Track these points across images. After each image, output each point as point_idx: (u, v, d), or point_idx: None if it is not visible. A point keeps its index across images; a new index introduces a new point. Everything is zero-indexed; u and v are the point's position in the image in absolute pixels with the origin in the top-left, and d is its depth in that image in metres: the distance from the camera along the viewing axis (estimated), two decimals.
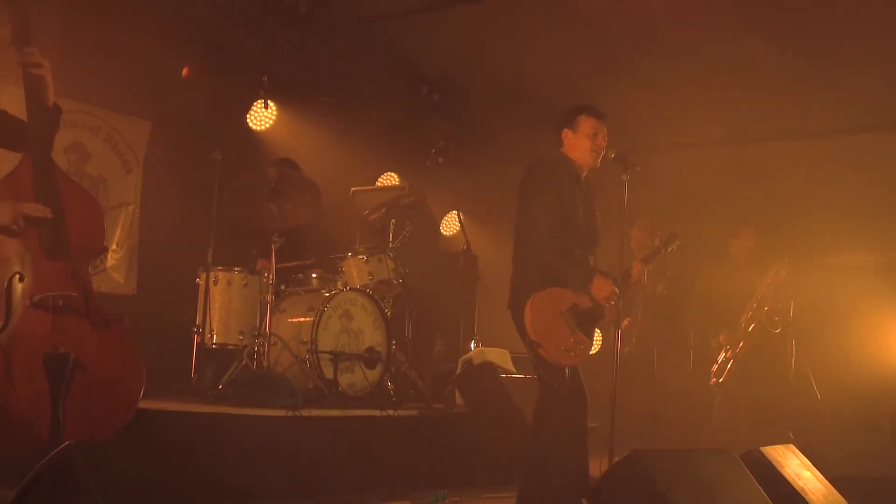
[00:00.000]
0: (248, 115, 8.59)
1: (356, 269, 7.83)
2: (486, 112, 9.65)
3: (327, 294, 7.36)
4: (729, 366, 8.45)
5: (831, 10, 7.36)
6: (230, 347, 7.39)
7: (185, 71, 7.96)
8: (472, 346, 8.28)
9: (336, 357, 7.21)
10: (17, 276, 4.98)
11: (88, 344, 5.01)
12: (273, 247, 7.40)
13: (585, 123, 5.72)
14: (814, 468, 5.69)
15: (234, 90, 8.50)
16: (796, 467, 5.50)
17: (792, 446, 5.76)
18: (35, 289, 4.99)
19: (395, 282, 7.93)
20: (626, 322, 6.28)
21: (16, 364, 4.78)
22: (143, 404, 5.34)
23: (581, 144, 5.72)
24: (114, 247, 8.03)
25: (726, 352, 8.52)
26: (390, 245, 8.11)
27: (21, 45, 5.19)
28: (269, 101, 8.52)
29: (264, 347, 7.17)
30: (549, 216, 5.52)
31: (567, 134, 5.75)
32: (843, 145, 8.84)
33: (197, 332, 7.34)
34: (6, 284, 4.92)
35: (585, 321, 5.60)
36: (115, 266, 8.12)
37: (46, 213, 5.08)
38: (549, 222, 5.52)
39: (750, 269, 8.68)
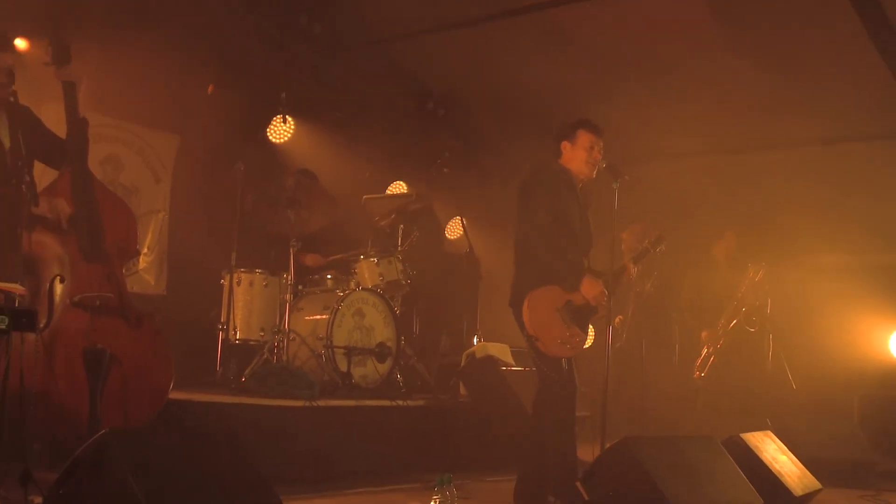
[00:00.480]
0: (268, 129, 8.61)
1: (368, 270, 7.86)
2: (486, 125, 9.66)
3: (341, 294, 7.40)
4: (710, 360, 8.49)
5: (801, 30, 7.37)
6: (252, 343, 7.42)
7: (210, 88, 7.99)
8: (475, 341, 8.29)
9: (349, 352, 7.24)
10: (59, 277, 5.04)
11: (123, 340, 5.08)
12: (292, 250, 7.45)
13: (584, 137, 5.74)
14: (789, 452, 5.74)
15: (255, 106, 8.52)
16: (773, 451, 5.54)
17: (769, 432, 5.81)
18: (75, 289, 5.06)
19: (404, 282, 7.95)
20: (617, 319, 6.30)
21: (57, 358, 4.84)
22: (172, 395, 5.42)
23: (578, 156, 5.74)
24: (145, 250, 8.05)
25: (708, 347, 8.55)
26: (399, 248, 8.17)
27: (60, 64, 5.27)
28: (287, 116, 8.56)
29: (284, 343, 7.20)
30: (545, 221, 5.54)
31: (566, 146, 5.77)
32: (815, 155, 8.85)
33: (222, 329, 7.38)
34: (48, 285, 4.98)
35: (580, 316, 5.61)
36: (146, 268, 8.16)
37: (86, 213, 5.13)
38: (545, 227, 5.54)
39: (730, 269, 8.72)
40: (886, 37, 7.16)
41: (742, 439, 5.36)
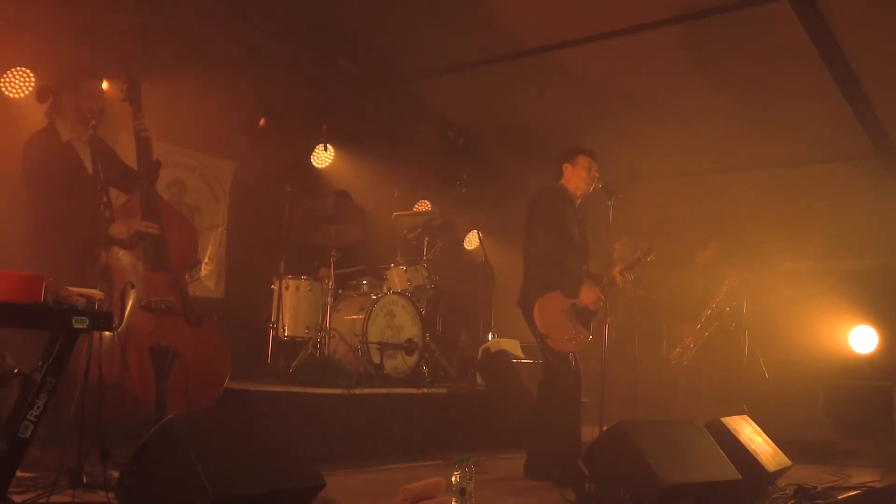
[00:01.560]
0: (311, 156, 8.64)
1: (397, 277, 7.87)
2: (498, 151, 9.66)
3: (375, 297, 7.39)
4: (689, 354, 8.43)
5: (767, 68, 7.34)
6: (298, 339, 7.43)
7: (262, 121, 8.02)
8: (490, 337, 8.26)
9: (382, 347, 7.23)
10: (130, 284, 5.05)
11: (185, 338, 5.11)
12: (332, 260, 7.45)
13: (583, 160, 5.82)
14: (763, 433, 5.68)
15: (301, 136, 8.54)
16: (749, 433, 5.48)
17: (746, 416, 5.75)
18: (143, 295, 5.10)
19: (429, 287, 7.95)
20: (609, 319, 6.30)
21: (129, 354, 4.84)
22: (229, 385, 5.42)
23: (578, 175, 5.82)
24: (206, 260, 8.08)
25: (686, 340, 8.49)
26: (424, 258, 8.16)
27: (134, 111, 5.30)
28: (328, 145, 8.59)
29: (325, 339, 7.19)
30: (548, 236, 5.62)
31: (567, 167, 5.84)
32: (780, 176, 8.81)
33: (272, 327, 7.38)
34: (121, 291, 4.99)
35: (583, 317, 5.67)
36: (207, 275, 8.18)
37: (154, 228, 5.17)
38: (548, 242, 5.61)
39: (711, 275, 8.67)
40: (844, 72, 7.12)
41: (722, 422, 5.30)
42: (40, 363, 3.16)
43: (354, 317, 7.38)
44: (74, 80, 5.20)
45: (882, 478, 5.89)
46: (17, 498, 3.45)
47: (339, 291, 7.62)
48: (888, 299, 8.84)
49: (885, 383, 8.02)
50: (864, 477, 5.86)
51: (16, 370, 3.47)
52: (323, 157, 8.66)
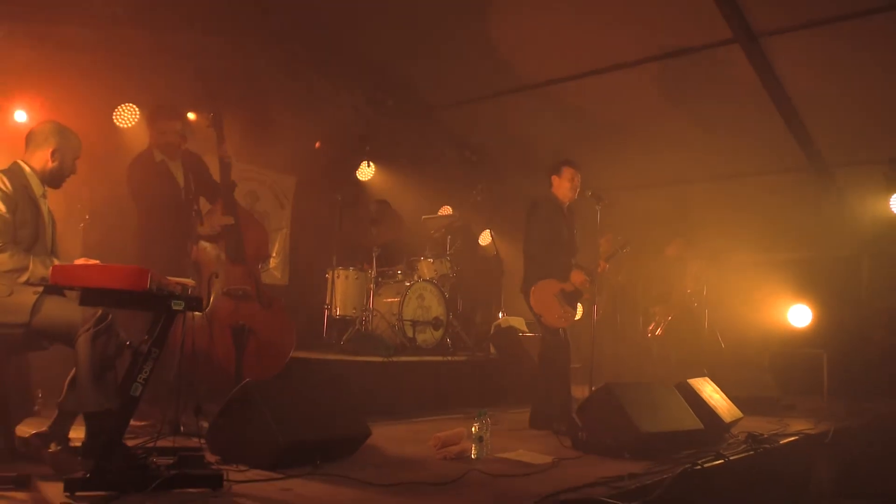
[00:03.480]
0: (356, 171, 8.64)
1: (426, 267, 7.88)
2: (506, 165, 9.63)
3: (408, 284, 7.41)
4: (660, 328, 8.40)
5: (720, 101, 7.32)
6: (347, 317, 7.44)
7: (317, 144, 8.03)
8: (500, 315, 8.25)
9: (414, 323, 7.26)
10: (215, 274, 5.10)
11: (258, 318, 5.16)
12: (374, 254, 7.48)
13: (567, 171, 5.79)
14: (721, 392, 5.67)
15: (348, 155, 8.53)
16: (710, 391, 5.47)
17: (707, 378, 5.73)
18: (225, 283, 5.11)
19: (451, 275, 7.95)
20: (596, 301, 6.29)
21: (214, 331, 4.90)
22: (293, 354, 5.44)
23: (563, 185, 5.79)
24: (274, 255, 8.10)
25: (658, 317, 8.46)
26: (447, 252, 8.16)
27: (218, 139, 5.34)
28: (370, 162, 8.59)
29: (369, 317, 7.22)
30: (540, 237, 5.65)
31: (555, 179, 5.82)
32: (735, 185, 8.75)
33: (326, 308, 7.42)
34: (208, 280, 5.03)
35: (570, 299, 5.68)
36: (275, 267, 8.19)
37: (231, 220, 5.20)
38: (540, 241, 5.64)
39: (678, 264, 8.64)
40: (783, 99, 7.08)
41: (688, 383, 5.30)
42: (146, 337, 3.19)
43: (392, 299, 7.39)
44: (161, 114, 5.22)
45: (814, 426, 5.88)
46: (129, 442, 3.49)
47: (379, 279, 7.62)
48: (819, 284, 8.79)
49: (817, 351, 7.97)
50: (801, 425, 5.83)
51: (127, 343, 3.52)
52: (366, 171, 8.65)
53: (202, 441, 3.81)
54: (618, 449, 4.41)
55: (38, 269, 3.65)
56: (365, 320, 7.22)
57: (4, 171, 3.80)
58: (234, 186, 5.43)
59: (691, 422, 4.82)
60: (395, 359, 6.53)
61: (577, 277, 5.59)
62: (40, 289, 3.61)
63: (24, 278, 3.63)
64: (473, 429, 4.27)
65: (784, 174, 8.38)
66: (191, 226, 5.06)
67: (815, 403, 7.31)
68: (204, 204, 5.48)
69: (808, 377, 7.94)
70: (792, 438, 5.38)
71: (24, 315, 3.54)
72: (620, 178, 8.63)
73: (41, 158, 3.93)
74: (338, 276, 7.44)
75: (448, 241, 8.28)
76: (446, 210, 9.25)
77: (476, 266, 9.12)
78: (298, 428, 3.78)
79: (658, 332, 8.42)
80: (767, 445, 4.95)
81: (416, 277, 7.66)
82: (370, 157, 8.58)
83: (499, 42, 7.17)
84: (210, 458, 3.63)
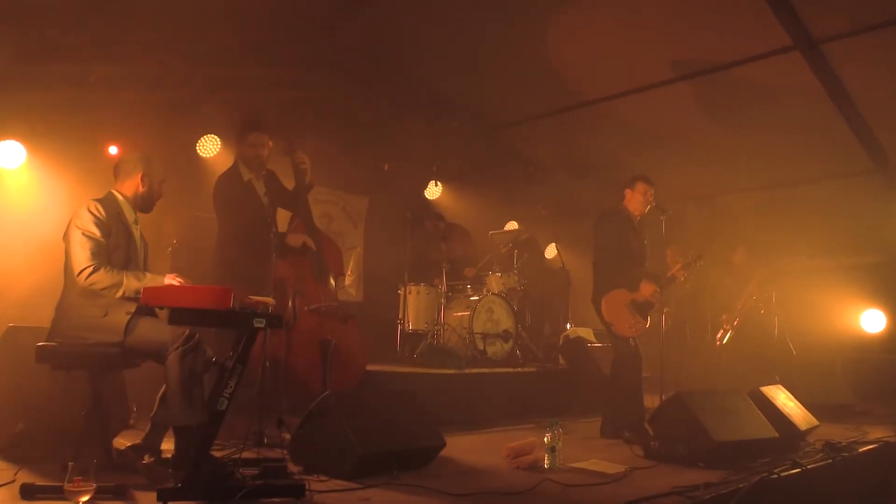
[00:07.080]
0: (425, 190, 8.67)
1: (494, 281, 7.81)
2: (566, 179, 9.50)
3: (477, 297, 7.36)
4: (728, 335, 8.12)
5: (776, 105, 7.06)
6: (420, 331, 7.39)
7: (385, 166, 8.07)
8: (568, 326, 8.14)
9: (484, 336, 7.19)
10: (298, 293, 5.09)
11: (339, 333, 5.13)
12: (444, 270, 7.46)
13: (640, 186, 5.68)
14: (795, 399, 5.42)
15: (416, 175, 8.59)
16: (783, 399, 5.25)
17: (780, 385, 5.50)
18: (311, 300, 5.08)
19: (519, 288, 7.86)
20: (666, 310, 6.11)
21: (300, 346, 4.91)
22: (368, 368, 5.44)
23: (636, 199, 5.67)
24: (349, 273, 8.17)
25: (726, 325, 8.19)
26: (515, 266, 8.07)
27: (292, 154, 5.35)
28: (437, 181, 8.61)
29: (440, 331, 7.19)
30: (609, 248, 5.53)
31: (628, 192, 5.72)
32: (796, 193, 8.46)
33: (400, 322, 7.39)
34: (292, 299, 5.02)
35: (641, 309, 5.54)
36: (350, 284, 8.26)
37: (313, 245, 5.19)
38: (609, 252, 5.52)
39: (743, 272, 8.37)
40: (847, 104, 6.81)
41: (760, 391, 5.09)
42: (231, 353, 3.21)
43: (462, 313, 7.35)
44: (251, 127, 5.23)
45: (894, 433, 5.55)
46: (216, 453, 3.52)
47: (450, 294, 7.60)
48: (893, 288, 8.41)
49: (892, 356, 7.60)
50: (879, 433, 5.53)
51: (214, 359, 3.56)
52: (434, 190, 8.67)
53: (285, 452, 3.83)
54: (691, 458, 4.26)
55: (132, 282, 3.74)
56: (436, 334, 7.19)
57: (100, 200, 3.92)
58: (310, 188, 5.39)
59: (766, 430, 4.61)
60: (466, 371, 6.48)
61: (647, 288, 5.49)
62: (133, 309, 3.69)
63: (119, 293, 3.73)
64: (546, 439, 4.17)
65: (850, 178, 8.04)
66: (272, 245, 5.04)
67: (891, 410, 6.94)
68: (282, 224, 5.52)
69: (884, 383, 7.58)
70: (871, 446, 5.09)
71: (118, 334, 3.64)
72: (679, 189, 8.43)
73: (131, 185, 4.04)
74: (409, 292, 7.43)
75: (515, 255, 8.18)
76: (512, 225, 9.20)
77: (543, 279, 9.03)
78: (376, 439, 3.76)
79: (725, 339, 8.15)
80: (846, 454, 4.70)
81: (484, 291, 7.60)
82: (438, 177, 8.60)
83: (557, 62, 7.12)
84: (292, 468, 3.64)
